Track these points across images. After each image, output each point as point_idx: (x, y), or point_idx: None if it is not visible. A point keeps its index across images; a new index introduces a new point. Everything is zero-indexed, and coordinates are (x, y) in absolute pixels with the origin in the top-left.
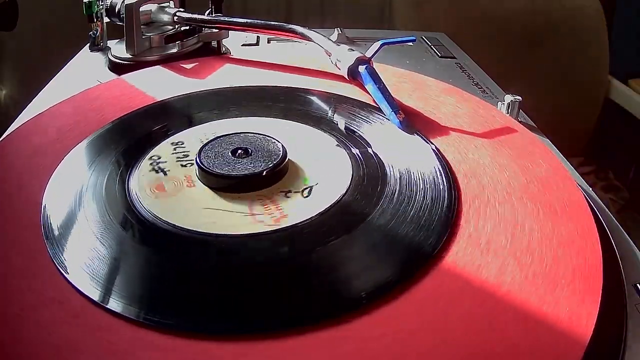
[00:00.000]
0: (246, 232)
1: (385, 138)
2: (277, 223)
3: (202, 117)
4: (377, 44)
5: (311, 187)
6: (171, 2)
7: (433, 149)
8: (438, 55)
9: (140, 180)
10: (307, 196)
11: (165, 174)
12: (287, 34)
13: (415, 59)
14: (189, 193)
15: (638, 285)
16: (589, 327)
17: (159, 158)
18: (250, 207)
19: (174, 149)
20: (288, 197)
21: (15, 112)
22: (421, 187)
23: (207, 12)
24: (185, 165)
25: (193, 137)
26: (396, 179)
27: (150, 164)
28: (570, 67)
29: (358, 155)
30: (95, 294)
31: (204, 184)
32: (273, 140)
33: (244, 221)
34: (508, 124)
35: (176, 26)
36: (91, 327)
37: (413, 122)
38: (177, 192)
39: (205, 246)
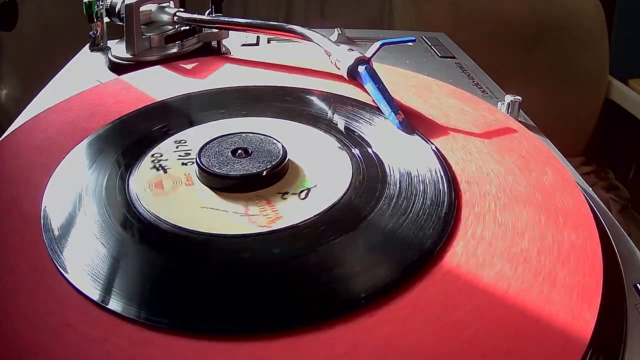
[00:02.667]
0: (245, 233)
1: (385, 138)
2: (277, 223)
3: (202, 117)
4: (376, 44)
5: (309, 190)
6: (171, 2)
7: (433, 149)
8: (438, 55)
9: (140, 177)
10: (304, 198)
11: (165, 171)
12: (287, 34)
13: (415, 59)
14: (188, 192)
15: (638, 285)
16: (589, 327)
17: (161, 156)
18: (249, 207)
19: (176, 147)
20: (287, 197)
21: (15, 111)
22: (421, 187)
23: (207, 12)
24: (185, 164)
25: (193, 137)
26: (396, 179)
27: (152, 161)
28: (570, 67)
29: (358, 155)
30: (94, 294)
31: (204, 183)
32: (273, 140)
33: (242, 221)
34: (508, 124)
35: (176, 26)
36: (90, 327)
37: (413, 122)
38: (174, 191)
39: (204, 246)
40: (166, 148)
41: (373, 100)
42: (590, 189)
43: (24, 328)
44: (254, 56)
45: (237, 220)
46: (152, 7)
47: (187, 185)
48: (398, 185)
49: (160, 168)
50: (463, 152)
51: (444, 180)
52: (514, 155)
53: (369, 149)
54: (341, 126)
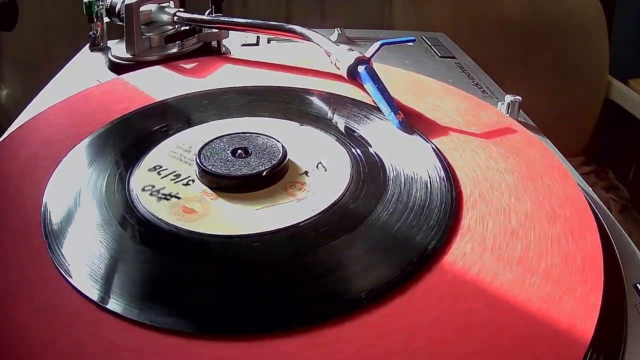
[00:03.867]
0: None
1: (385, 138)
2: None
3: (202, 117)
4: (376, 44)
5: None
6: (171, 2)
7: (433, 149)
8: (438, 55)
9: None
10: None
11: (178, 198)
12: (287, 34)
13: (415, 59)
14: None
15: (638, 285)
16: (590, 328)
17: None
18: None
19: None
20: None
21: (16, 112)
22: (421, 187)
23: (207, 12)
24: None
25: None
26: (396, 179)
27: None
28: (570, 67)
29: (358, 155)
30: (94, 294)
31: (203, 183)
32: (273, 140)
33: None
34: (508, 124)
35: (176, 26)
36: (90, 327)
37: (412, 122)
38: (207, 210)
39: (204, 246)
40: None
41: (373, 100)
42: (590, 189)
43: (23, 328)
44: (254, 56)
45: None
46: (152, 7)
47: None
48: (398, 185)
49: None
50: (463, 152)
51: (444, 180)
52: (514, 156)
53: (368, 148)
54: (341, 126)
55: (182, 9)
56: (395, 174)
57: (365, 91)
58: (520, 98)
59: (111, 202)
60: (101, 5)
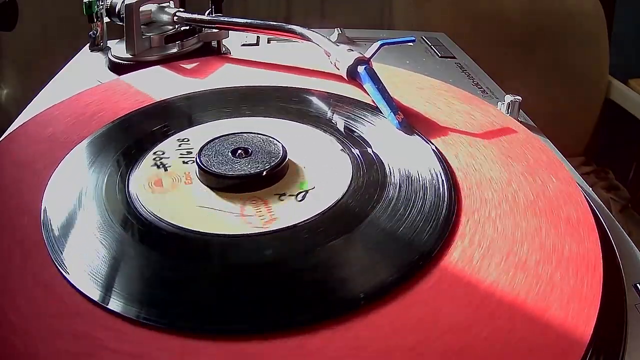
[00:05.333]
0: (244, 233)
1: (385, 138)
2: (277, 223)
3: (202, 117)
4: (376, 44)
5: (307, 191)
6: (171, 2)
7: (433, 149)
8: (438, 55)
9: (140, 176)
10: (302, 200)
11: (166, 169)
12: (287, 34)
13: (415, 59)
14: (187, 191)
15: (638, 285)
16: (589, 328)
17: (163, 154)
18: (249, 207)
19: (178, 145)
20: (288, 197)
21: (15, 111)
22: (421, 187)
23: (207, 12)
24: (186, 163)
25: (193, 137)
26: (396, 180)
27: (154, 158)
28: (570, 67)
29: (358, 155)
30: (95, 294)
31: (203, 183)
32: (273, 141)
33: (241, 221)
34: (508, 124)
35: (176, 26)
36: (90, 327)
37: (412, 122)
38: (173, 189)
39: (202, 246)
40: (168, 146)
41: (373, 100)
42: (590, 189)
43: (23, 329)
44: (254, 56)
45: (237, 220)
46: (152, 7)
47: (186, 184)
48: (397, 186)
49: (161, 166)
50: (462, 152)
51: (444, 179)
52: (514, 156)
53: (369, 149)
54: (341, 126)
55: (182, 9)
56: (394, 174)
57: (365, 91)
58: (520, 98)
59: (111, 202)
60: (101, 5)
